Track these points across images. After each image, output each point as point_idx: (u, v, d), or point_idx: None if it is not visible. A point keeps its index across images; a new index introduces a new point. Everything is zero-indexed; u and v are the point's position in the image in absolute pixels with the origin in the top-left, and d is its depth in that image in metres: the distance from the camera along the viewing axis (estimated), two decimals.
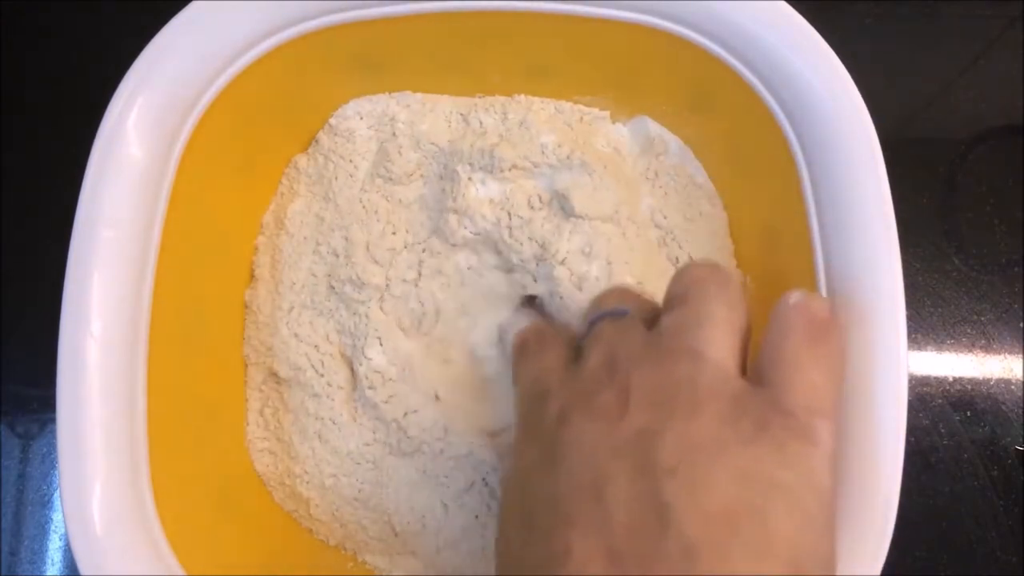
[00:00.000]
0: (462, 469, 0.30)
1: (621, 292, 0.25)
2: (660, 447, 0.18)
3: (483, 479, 0.30)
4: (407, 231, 0.31)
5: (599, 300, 0.25)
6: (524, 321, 0.29)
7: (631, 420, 0.19)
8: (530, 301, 0.31)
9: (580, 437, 0.19)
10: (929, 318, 0.37)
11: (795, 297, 0.21)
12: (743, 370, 0.20)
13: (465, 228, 0.30)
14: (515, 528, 0.20)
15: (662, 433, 0.18)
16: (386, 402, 0.30)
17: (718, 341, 0.20)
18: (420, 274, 0.31)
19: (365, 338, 0.30)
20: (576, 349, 0.24)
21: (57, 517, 0.35)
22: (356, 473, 0.30)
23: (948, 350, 0.37)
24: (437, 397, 0.30)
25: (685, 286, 0.22)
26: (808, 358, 0.20)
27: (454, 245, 0.31)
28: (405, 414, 0.30)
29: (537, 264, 0.30)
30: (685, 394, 0.19)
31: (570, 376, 0.22)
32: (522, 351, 0.26)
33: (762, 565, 0.17)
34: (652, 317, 0.22)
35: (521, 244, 0.30)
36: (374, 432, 0.30)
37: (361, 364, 0.30)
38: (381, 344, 0.30)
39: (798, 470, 0.18)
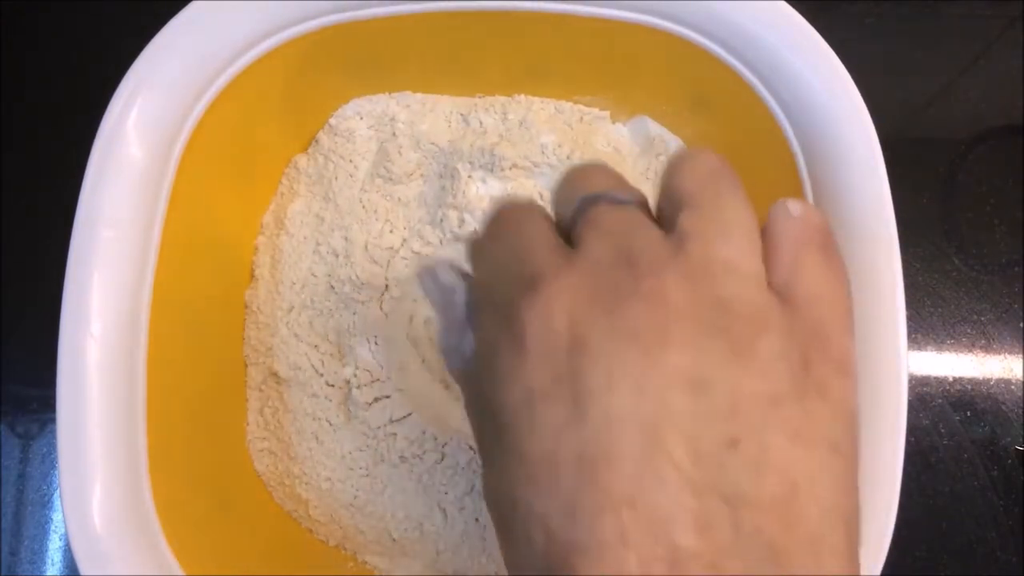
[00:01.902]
0: (463, 475, 0.30)
1: (606, 173, 0.20)
2: (716, 404, 0.15)
3: None
4: (405, 228, 0.31)
5: (582, 178, 0.20)
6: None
7: (675, 354, 0.15)
8: None
9: (612, 376, 0.15)
10: (929, 318, 0.37)
11: (796, 209, 0.18)
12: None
13: (467, 224, 0.30)
14: (519, 467, 0.16)
15: (715, 385, 0.15)
16: (370, 404, 0.30)
17: (752, 253, 0.17)
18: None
19: (362, 337, 0.30)
20: (564, 235, 0.19)
21: (57, 517, 0.35)
22: (350, 479, 0.30)
23: (948, 350, 0.37)
24: (432, 400, 0.30)
25: (695, 183, 0.18)
26: (827, 271, 0.18)
27: (456, 240, 0.31)
28: (390, 420, 0.30)
29: None
30: (733, 322, 0.16)
31: (569, 262, 0.17)
32: (496, 227, 0.20)
33: (824, 557, 0.15)
34: (652, 215, 0.19)
35: None
36: (365, 437, 0.30)
37: (349, 364, 0.30)
38: (377, 343, 0.30)
39: (844, 417, 0.16)
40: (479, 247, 0.20)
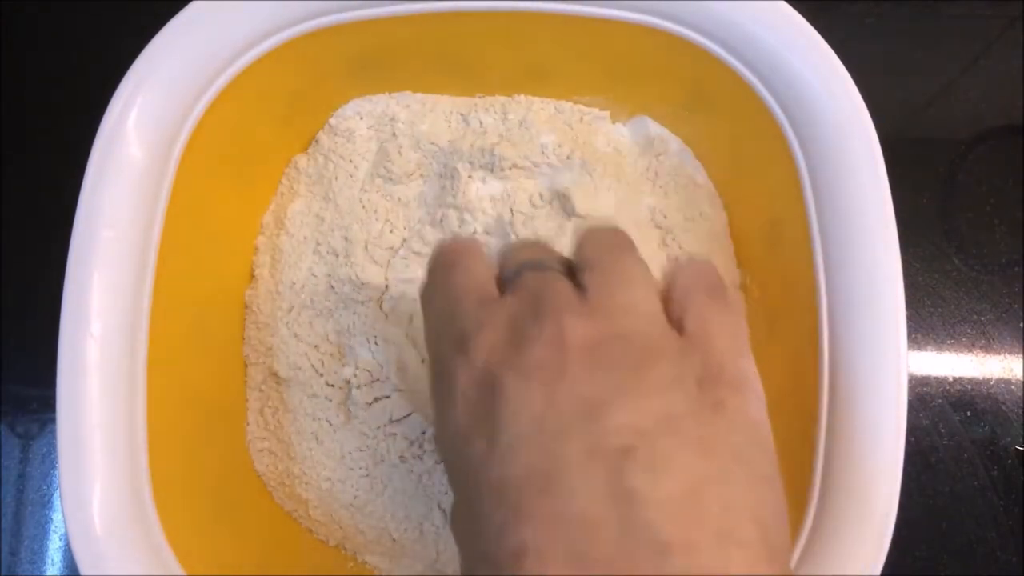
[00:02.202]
0: None
1: (534, 245, 0.23)
2: (611, 422, 0.17)
3: None
4: (405, 228, 0.31)
5: (514, 253, 0.22)
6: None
7: (572, 384, 0.18)
8: None
9: (517, 407, 0.18)
10: (929, 318, 0.37)
11: (687, 262, 0.21)
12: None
13: (467, 224, 0.30)
14: (461, 504, 0.19)
15: (611, 405, 0.17)
16: (370, 404, 0.30)
17: (648, 297, 0.20)
18: (418, 275, 0.31)
19: (361, 337, 0.30)
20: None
21: (57, 517, 0.35)
22: (350, 479, 0.30)
23: (948, 350, 0.37)
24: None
25: (594, 250, 0.21)
26: (716, 307, 0.20)
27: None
28: (390, 420, 0.30)
29: None
30: (628, 353, 0.18)
31: (491, 316, 0.20)
32: (448, 266, 0.22)
33: (730, 550, 0.16)
34: (570, 273, 0.21)
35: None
36: (365, 437, 0.30)
37: (348, 364, 0.30)
38: (377, 343, 0.30)
39: (743, 428, 0.18)
40: (425, 299, 0.22)
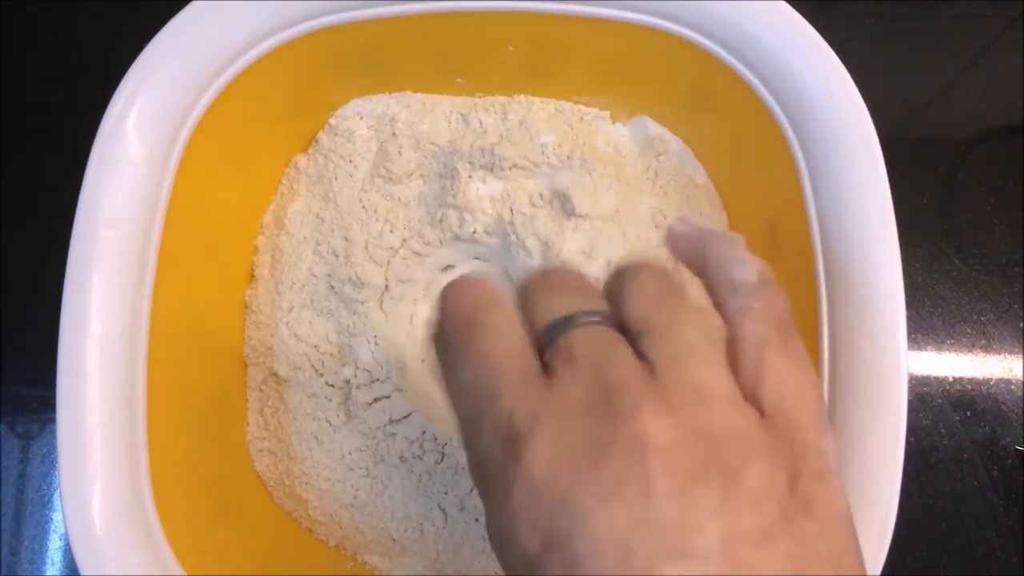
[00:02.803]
0: (463, 475, 0.30)
1: (566, 286, 0.20)
2: (706, 549, 0.15)
3: None
4: (405, 228, 0.31)
5: (545, 299, 0.19)
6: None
7: (661, 504, 0.15)
8: None
9: (598, 536, 0.15)
10: (929, 318, 0.37)
11: (750, 298, 0.19)
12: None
13: (466, 224, 0.30)
14: None
15: (704, 529, 0.15)
16: (370, 404, 0.30)
17: (720, 369, 0.18)
18: (418, 275, 0.31)
19: (362, 337, 0.30)
20: (538, 356, 0.18)
21: (57, 517, 0.35)
22: (350, 479, 0.30)
23: (948, 350, 0.37)
24: (432, 400, 0.30)
25: (644, 308, 0.19)
26: (791, 366, 0.18)
27: (456, 240, 0.31)
28: (390, 421, 0.30)
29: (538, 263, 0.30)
30: (715, 456, 0.16)
31: (545, 405, 0.17)
32: (469, 325, 0.19)
33: None
34: (618, 322, 0.19)
35: (525, 239, 0.30)
36: (365, 437, 0.30)
37: (348, 364, 0.30)
38: (377, 343, 0.30)
39: (834, 528, 0.17)
40: (449, 365, 0.19)
